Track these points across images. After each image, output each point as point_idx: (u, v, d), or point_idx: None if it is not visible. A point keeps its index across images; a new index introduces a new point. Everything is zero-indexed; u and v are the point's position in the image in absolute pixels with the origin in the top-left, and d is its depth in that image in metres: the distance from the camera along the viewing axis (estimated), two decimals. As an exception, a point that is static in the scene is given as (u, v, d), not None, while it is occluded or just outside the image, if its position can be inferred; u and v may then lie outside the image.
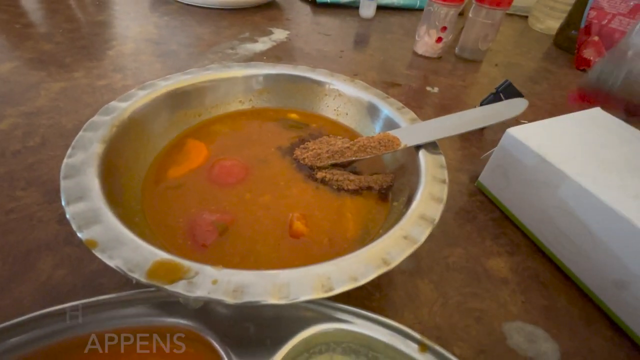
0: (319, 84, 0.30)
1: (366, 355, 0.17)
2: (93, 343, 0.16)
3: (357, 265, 0.15)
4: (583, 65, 0.60)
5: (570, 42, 0.66)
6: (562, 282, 0.25)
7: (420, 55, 0.58)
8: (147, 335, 0.16)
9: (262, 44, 0.55)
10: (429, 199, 0.19)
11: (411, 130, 0.25)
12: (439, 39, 0.56)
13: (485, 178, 0.31)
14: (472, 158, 0.36)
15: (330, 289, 0.14)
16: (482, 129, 0.40)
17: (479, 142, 0.39)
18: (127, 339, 0.16)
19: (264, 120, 0.30)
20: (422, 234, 0.17)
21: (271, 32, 0.60)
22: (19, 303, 0.19)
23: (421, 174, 0.21)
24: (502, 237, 0.28)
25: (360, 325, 0.17)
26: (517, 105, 0.26)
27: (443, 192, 0.19)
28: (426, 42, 0.57)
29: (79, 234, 0.15)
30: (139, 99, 0.24)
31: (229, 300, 0.13)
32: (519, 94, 0.38)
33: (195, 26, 0.58)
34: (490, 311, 0.22)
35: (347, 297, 0.21)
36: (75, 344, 0.16)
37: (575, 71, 0.61)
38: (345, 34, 0.64)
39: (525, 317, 0.22)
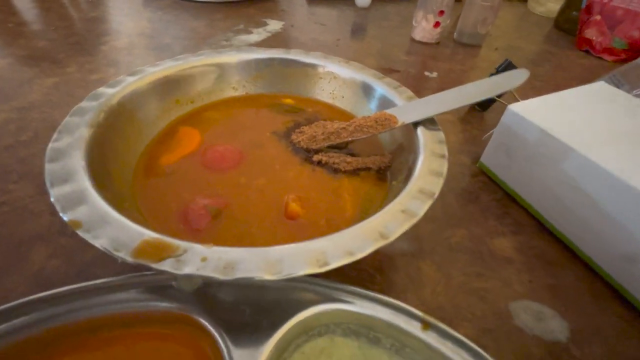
0: (313, 67, 0.30)
1: (367, 336, 0.17)
2: (86, 329, 0.16)
3: (354, 239, 0.14)
4: (585, 45, 0.58)
5: (572, 23, 0.64)
6: (569, 260, 0.24)
7: (418, 42, 0.57)
8: (141, 320, 0.16)
9: (256, 35, 0.54)
10: (428, 174, 0.18)
11: (408, 107, 0.24)
12: (437, 24, 0.55)
13: (487, 158, 0.30)
14: (473, 140, 0.35)
15: (325, 264, 0.13)
16: (483, 111, 0.39)
17: (480, 124, 0.38)
18: (120, 324, 0.16)
19: (258, 106, 0.29)
20: (421, 208, 0.16)
21: (266, 24, 0.59)
22: (11, 293, 0.19)
23: (420, 150, 0.20)
24: (506, 217, 0.27)
25: (361, 305, 0.17)
26: (517, 77, 0.25)
27: (443, 166, 0.19)
28: (424, 27, 0.56)
29: (62, 215, 0.14)
30: (128, 84, 0.23)
31: (219, 276, 0.12)
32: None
33: (189, 20, 0.57)
34: (495, 291, 0.22)
35: (348, 281, 0.21)
36: (68, 331, 0.15)
37: (577, 52, 0.59)
38: (342, 23, 0.63)
39: (532, 296, 0.21)
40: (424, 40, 0.57)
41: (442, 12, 0.53)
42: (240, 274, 0.12)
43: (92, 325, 0.16)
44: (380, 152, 0.25)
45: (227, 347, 0.15)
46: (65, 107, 0.34)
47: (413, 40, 0.58)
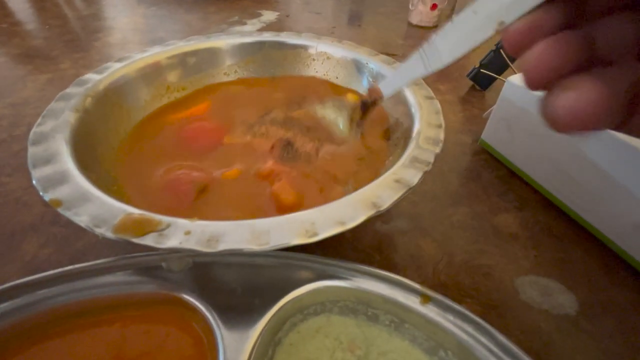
0: (305, 48, 0.29)
1: (365, 313, 0.16)
2: (74, 313, 0.15)
3: (345, 209, 0.14)
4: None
5: None
6: (576, 233, 0.23)
7: (416, 26, 0.56)
8: (130, 302, 0.16)
9: (251, 26, 0.54)
10: (423, 144, 0.17)
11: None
12: (434, 6, 0.53)
13: (488, 135, 0.29)
14: (474, 119, 0.34)
15: (315, 234, 0.13)
16: (483, 90, 0.38)
17: (480, 103, 0.37)
18: (109, 307, 0.15)
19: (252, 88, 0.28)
20: (416, 177, 0.15)
21: (260, 15, 0.58)
22: (3, 283, 0.19)
23: (415, 122, 0.19)
24: (509, 193, 0.26)
25: (357, 281, 0.16)
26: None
27: (439, 135, 0.18)
28: (420, 10, 0.55)
29: (43, 195, 0.14)
30: (115, 71, 0.23)
31: (203, 249, 0.12)
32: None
33: (183, 14, 0.57)
34: (499, 267, 0.21)
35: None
36: (56, 315, 0.15)
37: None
38: (337, 11, 0.62)
39: (539, 271, 0.21)
40: (422, 23, 0.56)
41: (439, -6, 0.52)
42: (224, 246, 0.12)
43: (80, 309, 0.15)
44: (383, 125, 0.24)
45: (218, 327, 0.14)
46: (59, 101, 0.34)
47: (410, 24, 0.57)
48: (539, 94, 0.25)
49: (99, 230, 0.12)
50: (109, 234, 0.12)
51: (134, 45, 0.46)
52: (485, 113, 0.32)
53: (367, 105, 0.18)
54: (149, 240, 0.12)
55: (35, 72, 0.38)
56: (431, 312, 0.15)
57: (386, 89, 0.17)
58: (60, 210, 0.13)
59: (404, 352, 0.15)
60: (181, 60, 0.27)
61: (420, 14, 0.55)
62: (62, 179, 0.14)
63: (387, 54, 0.47)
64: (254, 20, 0.56)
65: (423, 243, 0.22)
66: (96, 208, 0.13)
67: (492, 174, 0.28)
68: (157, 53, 0.25)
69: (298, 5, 0.64)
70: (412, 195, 0.25)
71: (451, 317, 0.15)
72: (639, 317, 0.18)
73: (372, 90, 0.17)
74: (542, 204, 0.25)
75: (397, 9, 0.63)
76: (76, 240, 0.21)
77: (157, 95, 0.25)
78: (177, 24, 0.53)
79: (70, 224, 0.22)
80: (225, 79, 0.29)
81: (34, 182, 0.15)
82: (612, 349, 0.17)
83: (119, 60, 0.24)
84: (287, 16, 0.59)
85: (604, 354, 0.17)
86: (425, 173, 0.16)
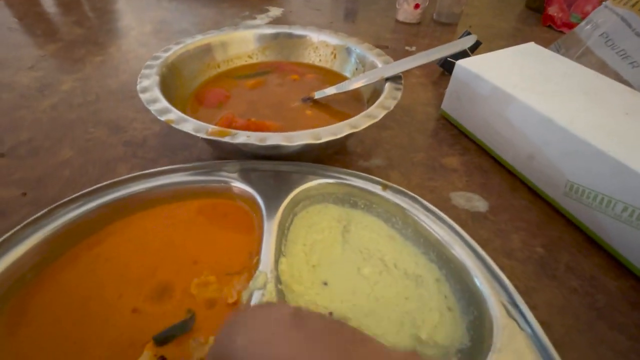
0: (310, 37, 0.38)
1: (349, 201, 0.26)
2: (153, 203, 0.24)
3: (336, 128, 0.23)
4: (548, 21, 0.67)
5: (540, 2, 0.72)
6: (497, 168, 0.33)
7: (402, 22, 0.66)
8: (202, 192, 0.25)
9: (260, 20, 0.63)
10: (386, 99, 0.27)
11: (386, 68, 0.32)
12: (417, 5, 0.63)
13: (445, 105, 0.39)
14: (440, 96, 0.44)
15: (319, 138, 0.22)
16: (450, 74, 0.48)
17: (446, 84, 0.46)
18: (181, 197, 0.25)
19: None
20: (380, 114, 0.25)
21: (268, 10, 0.67)
22: (111, 188, 0.28)
23: (385, 89, 0.29)
24: (456, 145, 0.36)
25: (345, 180, 0.26)
26: (467, 40, 0.33)
27: (398, 94, 0.28)
28: (405, 9, 0.64)
29: (160, 118, 0.23)
30: (175, 51, 0.32)
31: (258, 143, 0.21)
32: (476, 42, 0.46)
33: (201, 8, 0.66)
34: (441, 187, 0.31)
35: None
36: (137, 202, 0.24)
37: (541, 27, 0.67)
38: (335, 8, 0.71)
39: (467, 189, 0.31)
40: (407, 20, 0.65)
41: (420, -5, 0.62)
42: (269, 142, 0.22)
43: (156, 198, 0.24)
44: (360, 98, 0.34)
45: (261, 203, 0.24)
46: (115, 77, 0.43)
47: (397, 21, 0.66)
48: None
49: (199, 134, 0.22)
50: (205, 136, 0.22)
51: (164, 33, 0.55)
52: (447, 90, 0.42)
53: (308, 99, 0.33)
54: (227, 139, 0.22)
55: (90, 55, 0.47)
56: (388, 195, 0.25)
57: (318, 94, 0.33)
58: (173, 125, 0.23)
59: (371, 223, 0.25)
60: (218, 45, 0.36)
61: (405, 12, 0.64)
62: (166, 110, 0.24)
63: (376, 46, 0.56)
64: (262, 15, 0.65)
65: (391, 173, 0.32)
66: (192, 124, 0.23)
67: (447, 133, 0.37)
68: (201, 39, 0.35)
69: (300, 3, 0.73)
70: (387, 146, 0.35)
71: (400, 197, 0.25)
72: (526, 213, 0.29)
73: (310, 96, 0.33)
74: (478, 152, 0.35)
75: (387, 6, 0.72)
76: (154, 165, 0.30)
77: (201, 69, 0.35)
78: (197, 17, 0.62)
79: (146, 155, 0.32)
80: (249, 60, 0.38)
81: (152, 111, 0.24)
82: (503, 228, 0.27)
83: (176, 44, 0.33)
84: (291, 12, 0.68)
85: (499, 230, 0.27)
86: (388, 113, 0.26)
